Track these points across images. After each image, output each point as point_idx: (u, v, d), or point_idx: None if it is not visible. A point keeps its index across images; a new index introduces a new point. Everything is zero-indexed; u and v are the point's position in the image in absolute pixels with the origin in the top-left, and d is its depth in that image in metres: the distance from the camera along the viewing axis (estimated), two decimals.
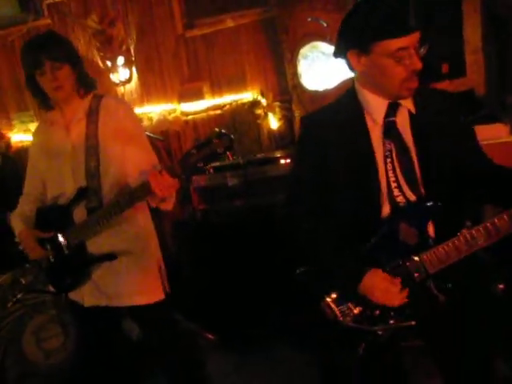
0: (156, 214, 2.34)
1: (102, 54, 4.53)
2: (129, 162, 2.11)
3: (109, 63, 4.49)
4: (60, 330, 3.11)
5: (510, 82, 3.41)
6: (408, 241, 1.63)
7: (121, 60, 4.45)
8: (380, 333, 1.64)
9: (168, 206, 2.00)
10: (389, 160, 1.66)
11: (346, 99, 1.76)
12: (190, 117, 4.54)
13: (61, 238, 2.09)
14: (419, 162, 1.65)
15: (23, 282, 3.07)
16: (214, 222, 3.73)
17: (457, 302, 1.60)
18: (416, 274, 1.60)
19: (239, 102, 4.38)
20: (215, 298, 3.37)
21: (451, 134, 1.65)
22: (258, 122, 4.34)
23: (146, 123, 4.52)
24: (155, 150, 2.24)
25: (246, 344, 3.22)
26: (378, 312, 1.64)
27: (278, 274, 2.69)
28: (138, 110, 4.39)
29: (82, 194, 2.08)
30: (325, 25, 3.58)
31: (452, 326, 1.63)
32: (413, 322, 1.60)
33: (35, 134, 2.31)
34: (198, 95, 4.40)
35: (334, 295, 1.69)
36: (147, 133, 2.76)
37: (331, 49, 2.83)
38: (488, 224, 1.53)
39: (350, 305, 1.68)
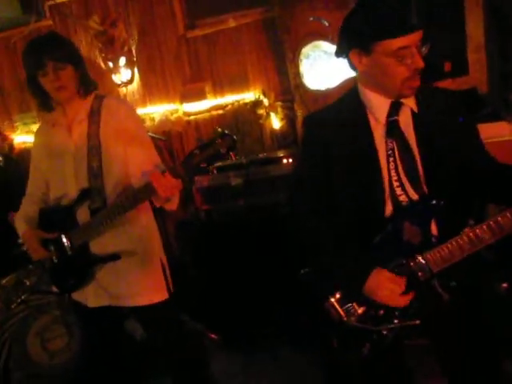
0: (159, 214, 2.35)
1: (103, 54, 4.53)
2: (131, 162, 2.11)
3: (111, 64, 4.50)
4: (64, 330, 3.12)
5: None
6: (411, 240, 1.63)
7: (122, 61, 4.46)
8: (385, 332, 1.64)
9: (172, 206, 2.00)
10: (391, 159, 1.66)
11: (348, 99, 1.76)
12: (192, 117, 4.54)
13: (64, 239, 2.10)
14: (422, 160, 1.65)
15: (27, 283, 3.08)
16: (217, 222, 3.73)
17: (461, 300, 1.60)
18: (420, 274, 1.60)
19: (241, 101, 4.38)
20: (220, 297, 3.37)
21: (454, 133, 1.64)
22: (261, 121, 4.34)
23: (148, 124, 4.53)
24: (157, 150, 2.24)
25: (251, 344, 3.22)
26: (382, 312, 1.64)
27: (282, 274, 2.69)
28: (140, 111, 4.39)
29: (85, 194, 2.08)
30: (326, 24, 3.58)
31: (456, 325, 1.63)
32: (417, 321, 1.60)
33: (37, 135, 2.31)
34: (199, 95, 4.41)
35: (338, 295, 1.70)
36: (149, 133, 2.76)
37: (333, 48, 2.82)
38: (491, 222, 1.52)
39: (354, 305, 1.68)
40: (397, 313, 1.62)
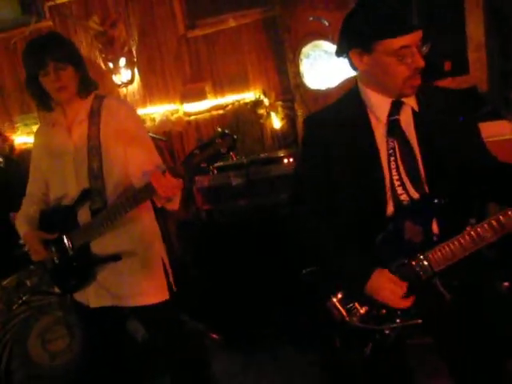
0: (161, 214, 2.35)
1: (103, 55, 4.53)
2: (131, 162, 2.10)
3: (111, 65, 4.49)
4: (66, 331, 3.12)
5: None
6: (413, 239, 1.63)
7: (123, 61, 4.46)
8: (387, 332, 1.64)
9: (174, 206, 2.00)
10: (392, 158, 1.66)
11: (348, 98, 1.76)
12: (192, 117, 4.54)
13: (65, 240, 2.10)
14: (423, 159, 1.65)
15: (28, 283, 3.08)
16: (218, 222, 3.74)
17: (462, 299, 1.60)
18: (422, 273, 1.60)
19: (241, 101, 4.38)
20: (220, 297, 3.37)
21: (455, 132, 1.65)
22: (261, 121, 4.33)
23: (148, 124, 4.52)
24: (158, 150, 2.24)
25: (252, 344, 3.22)
26: (384, 311, 1.64)
27: (283, 274, 2.70)
28: (140, 111, 4.39)
29: (85, 195, 2.08)
30: (326, 23, 3.58)
31: (457, 324, 1.63)
32: (419, 321, 1.60)
33: (37, 136, 2.31)
34: (200, 95, 4.40)
35: (340, 295, 1.70)
36: (150, 134, 2.76)
37: (333, 47, 2.82)
38: (492, 220, 1.52)
39: (356, 304, 1.68)
40: (399, 312, 1.62)
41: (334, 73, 3.70)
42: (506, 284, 2.31)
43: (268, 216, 3.44)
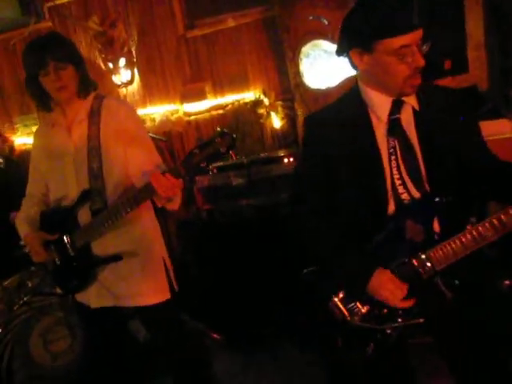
0: (161, 214, 2.35)
1: (103, 55, 4.53)
2: (131, 162, 2.10)
3: (110, 65, 4.50)
4: (67, 332, 3.12)
5: None
6: (414, 238, 1.63)
7: (122, 61, 4.46)
8: (389, 331, 1.64)
9: (174, 205, 2.00)
10: (393, 157, 1.66)
11: (349, 97, 1.76)
12: (192, 117, 4.54)
13: (66, 240, 2.10)
14: (424, 158, 1.65)
15: (29, 284, 3.08)
16: (218, 222, 3.74)
17: (464, 298, 1.59)
18: (423, 272, 1.60)
19: (241, 101, 4.38)
20: (221, 297, 3.37)
21: (455, 131, 1.65)
22: (261, 121, 4.33)
23: (148, 124, 4.53)
24: (158, 150, 2.24)
25: (252, 344, 3.22)
26: (386, 311, 1.64)
27: (283, 274, 2.70)
28: (140, 112, 4.40)
29: (85, 195, 2.08)
30: (326, 23, 3.58)
31: (459, 323, 1.63)
32: (421, 320, 1.60)
33: (36, 136, 2.31)
34: (200, 95, 4.40)
35: (341, 295, 1.70)
36: (150, 134, 2.76)
37: (333, 47, 2.81)
38: (494, 219, 1.52)
39: (357, 304, 1.68)
40: (400, 312, 1.62)
41: (334, 72, 3.70)
42: (507, 282, 2.30)
43: (268, 216, 3.45)
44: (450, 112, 1.66)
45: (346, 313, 1.68)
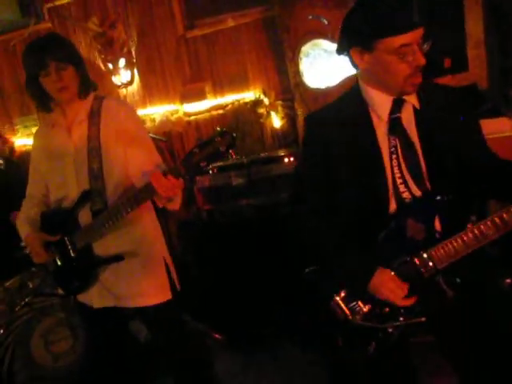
0: (162, 214, 2.34)
1: (103, 56, 4.53)
2: (131, 163, 2.10)
3: (110, 65, 4.50)
4: (69, 332, 3.12)
5: None
6: (415, 236, 1.63)
7: (122, 62, 4.46)
8: (390, 330, 1.64)
9: (175, 206, 1.99)
10: (394, 156, 1.66)
11: (349, 97, 1.76)
12: (192, 117, 4.54)
13: (67, 241, 2.10)
14: (424, 157, 1.65)
15: (31, 285, 3.08)
16: (219, 222, 3.74)
17: (465, 297, 1.59)
18: (424, 270, 1.60)
19: (241, 101, 4.38)
20: (221, 297, 3.37)
21: (455, 129, 1.65)
22: (261, 121, 4.33)
23: (148, 125, 4.53)
24: (158, 151, 2.23)
25: (253, 344, 3.22)
26: (387, 309, 1.64)
27: (284, 273, 2.69)
28: (140, 112, 4.40)
29: (86, 196, 2.08)
30: (326, 22, 3.58)
31: (461, 322, 1.63)
32: (423, 319, 1.60)
33: (36, 137, 2.30)
34: (200, 95, 4.40)
35: (343, 294, 1.70)
36: (150, 134, 2.76)
37: (333, 46, 2.81)
38: (496, 218, 1.53)
39: (359, 303, 1.68)
40: (402, 310, 1.62)
41: (334, 71, 3.70)
42: (509, 281, 2.30)
43: (269, 215, 3.44)
44: (450, 110, 1.66)
45: (347, 312, 1.68)
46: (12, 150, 4.81)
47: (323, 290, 1.74)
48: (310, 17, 3.64)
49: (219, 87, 4.44)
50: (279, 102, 4.28)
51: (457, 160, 1.63)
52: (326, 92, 3.76)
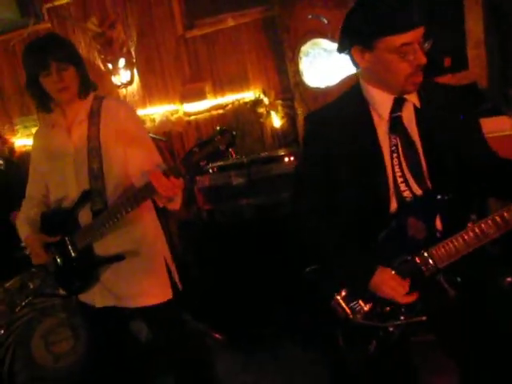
0: (163, 214, 2.34)
1: (102, 56, 4.53)
2: (131, 163, 2.10)
3: (110, 66, 4.49)
4: (70, 333, 3.11)
5: None
6: (416, 235, 1.63)
7: (122, 62, 4.46)
8: (391, 329, 1.64)
9: (175, 205, 1.99)
10: (395, 155, 1.66)
11: (350, 96, 1.76)
12: (192, 117, 4.53)
13: (68, 242, 2.10)
14: (425, 155, 1.65)
15: (31, 286, 3.09)
16: (219, 222, 3.74)
17: (466, 295, 1.59)
18: (425, 269, 1.60)
19: (241, 101, 4.37)
20: (222, 297, 3.37)
21: (456, 127, 1.65)
22: (261, 120, 4.33)
23: (148, 125, 4.52)
24: (158, 150, 2.23)
25: (253, 343, 3.22)
26: (388, 308, 1.65)
27: (284, 273, 2.69)
28: (140, 112, 4.39)
29: (86, 196, 2.07)
30: (325, 22, 3.58)
31: (461, 320, 1.63)
32: (423, 318, 1.60)
33: (36, 137, 2.30)
34: (199, 95, 4.40)
35: (343, 293, 1.70)
36: (150, 134, 2.76)
37: (332, 46, 2.81)
38: (496, 216, 1.53)
39: (360, 302, 1.68)
40: (403, 309, 1.63)
41: (334, 71, 3.70)
42: (509, 279, 2.30)
43: (269, 215, 3.44)
44: (451, 109, 1.66)
45: (348, 311, 1.68)
46: (12, 150, 4.81)
47: (324, 289, 1.74)
48: (310, 16, 3.64)
49: (219, 87, 4.44)
50: (279, 102, 4.27)
51: (457, 159, 1.63)
52: (325, 91, 3.76)
